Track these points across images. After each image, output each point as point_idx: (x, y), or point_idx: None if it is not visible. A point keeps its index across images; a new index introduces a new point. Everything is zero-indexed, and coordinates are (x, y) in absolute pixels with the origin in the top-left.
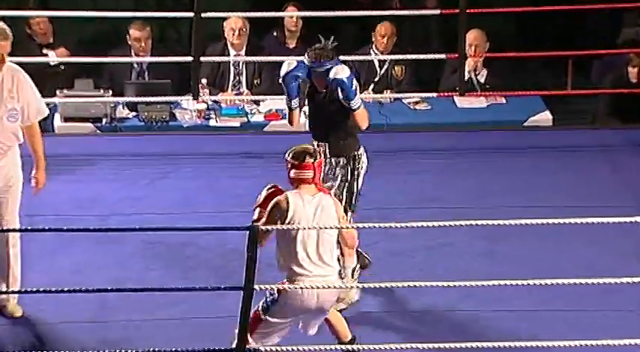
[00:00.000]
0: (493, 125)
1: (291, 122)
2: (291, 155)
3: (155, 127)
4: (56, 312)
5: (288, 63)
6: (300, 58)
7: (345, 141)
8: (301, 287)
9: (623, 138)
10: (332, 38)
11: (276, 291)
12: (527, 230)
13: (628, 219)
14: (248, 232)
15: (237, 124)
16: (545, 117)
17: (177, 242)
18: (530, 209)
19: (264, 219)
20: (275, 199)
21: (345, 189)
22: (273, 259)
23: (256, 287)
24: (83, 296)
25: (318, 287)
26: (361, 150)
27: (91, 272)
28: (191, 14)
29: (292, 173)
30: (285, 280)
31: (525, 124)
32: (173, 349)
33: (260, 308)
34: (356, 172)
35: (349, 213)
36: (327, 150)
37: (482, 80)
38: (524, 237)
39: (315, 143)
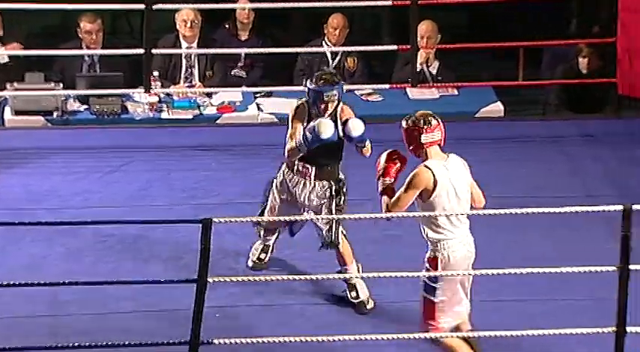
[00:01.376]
0: (445, 116)
1: (291, 158)
2: (415, 120)
3: (107, 120)
4: (9, 306)
5: (329, 126)
6: (252, 49)
7: (331, 167)
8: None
9: (573, 129)
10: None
11: (431, 266)
12: (478, 220)
13: (579, 209)
14: (201, 224)
15: (190, 117)
16: (496, 108)
17: (130, 235)
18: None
19: (402, 190)
20: (419, 172)
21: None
22: (226, 251)
23: (210, 279)
24: (36, 290)
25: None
26: (342, 175)
27: (44, 265)
28: (142, 6)
29: (423, 137)
30: (431, 249)
31: (477, 115)
32: (127, 342)
33: (427, 295)
34: (342, 198)
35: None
36: (313, 174)
37: (434, 72)
38: (474, 227)
39: (301, 164)
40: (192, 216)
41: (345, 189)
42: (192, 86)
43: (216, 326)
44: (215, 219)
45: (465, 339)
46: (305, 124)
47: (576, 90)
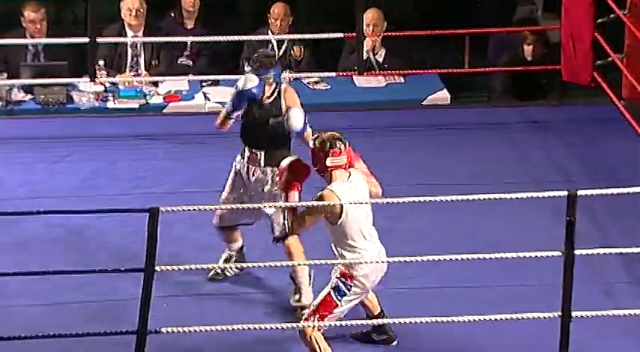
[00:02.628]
0: (392, 104)
1: (221, 127)
2: (322, 142)
3: (52, 110)
4: None
5: (251, 79)
6: (198, 38)
7: (280, 151)
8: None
9: (518, 116)
10: (270, 47)
11: (346, 278)
12: (427, 207)
13: (525, 195)
14: (148, 214)
15: (136, 106)
16: (442, 96)
17: (77, 225)
18: (430, 186)
19: (306, 212)
20: (324, 197)
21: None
22: (174, 240)
23: (157, 268)
24: None
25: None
26: None
27: None
28: None
29: (328, 161)
30: (349, 269)
31: (424, 103)
32: (74, 332)
33: (333, 295)
34: None
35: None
36: (262, 159)
37: (380, 60)
38: (423, 214)
39: (249, 151)
40: (139, 206)
41: None
42: (139, 75)
43: (165, 315)
44: (162, 208)
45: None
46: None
47: (521, 77)
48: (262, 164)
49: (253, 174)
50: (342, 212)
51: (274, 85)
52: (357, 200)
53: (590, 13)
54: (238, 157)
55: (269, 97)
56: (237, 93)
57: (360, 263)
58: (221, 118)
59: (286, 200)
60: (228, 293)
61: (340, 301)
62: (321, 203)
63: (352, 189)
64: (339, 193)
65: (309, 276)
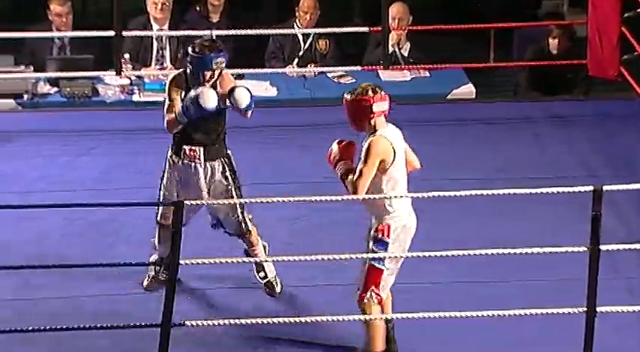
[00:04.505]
0: (416, 98)
1: (170, 129)
2: (364, 91)
3: (77, 103)
4: None
5: (212, 96)
6: (223, 31)
7: (219, 144)
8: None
9: (543, 111)
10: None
11: (385, 235)
12: (451, 201)
13: (549, 190)
14: (173, 207)
15: (162, 99)
16: (467, 90)
17: (100, 218)
18: (454, 181)
19: (362, 164)
20: (377, 141)
21: (238, 194)
22: (196, 233)
23: (182, 261)
24: (4, 274)
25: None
26: (229, 150)
27: (14, 249)
28: None
29: (375, 107)
30: (385, 220)
31: (448, 97)
32: (97, 325)
33: (373, 263)
34: (236, 173)
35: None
36: (202, 155)
37: (405, 53)
38: (446, 208)
39: (187, 148)
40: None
41: (234, 164)
42: (164, 68)
43: (188, 308)
44: (186, 202)
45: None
46: (183, 95)
47: (546, 71)
48: (202, 160)
49: (195, 171)
50: (395, 156)
51: (218, 71)
52: (401, 147)
53: (617, 7)
54: (171, 155)
55: (210, 84)
56: (196, 109)
57: (399, 213)
58: (171, 123)
59: (339, 171)
60: (252, 287)
61: (383, 265)
62: (375, 149)
63: (395, 132)
64: (389, 136)
65: (265, 249)
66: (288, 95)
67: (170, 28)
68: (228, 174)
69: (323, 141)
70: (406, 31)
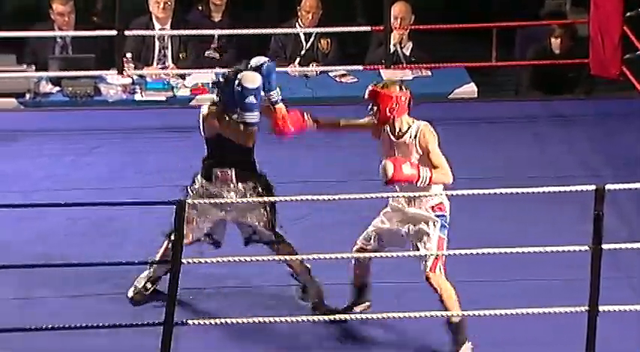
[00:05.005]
0: (419, 97)
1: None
2: (403, 87)
3: (79, 102)
4: None
5: (256, 75)
6: (226, 31)
7: (250, 166)
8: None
9: (545, 110)
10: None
11: (444, 210)
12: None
13: (551, 189)
14: (175, 206)
15: (163, 98)
16: (469, 90)
17: (103, 217)
18: (456, 180)
19: (435, 152)
20: (428, 128)
21: (272, 212)
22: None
23: (184, 260)
24: (8, 273)
25: None
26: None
27: (16, 248)
28: None
29: (406, 102)
30: (440, 199)
31: (450, 96)
32: (100, 324)
33: (441, 234)
34: (272, 191)
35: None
36: (233, 176)
37: (407, 53)
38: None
39: (218, 169)
40: (166, 198)
41: (272, 185)
42: (166, 68)
43: (191, 307)
44: (189, 201)
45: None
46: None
47: (549, 70)
48: (234, 180)
49: (227, 194)
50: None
51: None
52: None
53: (619, 6)
54: (200, 180)
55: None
56: (243, 92)
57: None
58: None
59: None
60: (254, 286)
61: (445, 236)
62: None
63: None
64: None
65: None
66: (289, 94)
67: (172, 28)
68: (261, 191)
69: (324, 140)
70: (408, 31)
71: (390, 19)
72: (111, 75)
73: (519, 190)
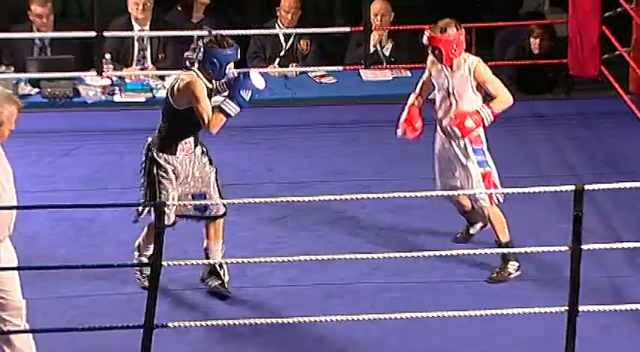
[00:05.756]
0: (398, 98)
1: (216, 130)
2: (454, 28)
3: (58, 104)
4: None
5: (259, 75)
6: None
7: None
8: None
9: (525, 110)
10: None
11: (479, 142)
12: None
13: (531, 189)
14: (154, 208)
15: (143, 99)
16: None
17: (83, 219)
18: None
19: (493, 79)
20: (483, 64)
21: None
22: (179, 235)
23: (164, 263)
24: None
25: None
26: None
27: None
28: None
29: (463, 40)
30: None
31: (430, 97)
32: (81, 326)
33: (483, 169)
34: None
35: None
36: (193, 146)
37: (387, 53)
38: (428, 207)
39: (183, 142)
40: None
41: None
42: (145, 69)
43: (169, 309)
44: (168, 202)
45: None
46: (208, 95)
47: (528, 70)
48: (194, 150)
49: (190, 164)
50: None
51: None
52: None
53: (597, 6)
54: (162, 156)
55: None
56: (252, 93)
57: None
58: (220, 124)
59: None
60: (233, 287)
61: (490, 166)
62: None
63: None
64: None
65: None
66: (269, 95)
67: (151, 29)
68: (208, 155)
69: (304, 141)
70: (387, 31)
71: (369, 19)
72: (90, 76)
73: (500, 190)
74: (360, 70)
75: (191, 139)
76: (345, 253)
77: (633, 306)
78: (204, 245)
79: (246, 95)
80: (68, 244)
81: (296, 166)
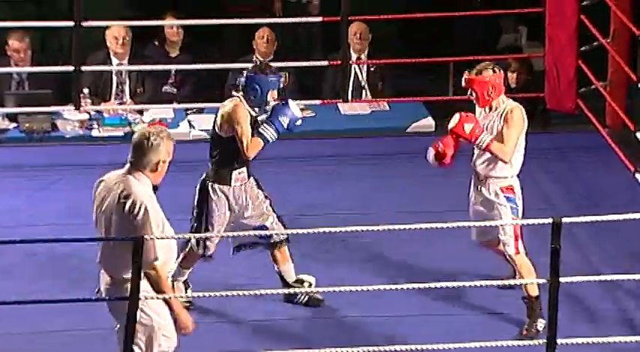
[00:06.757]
0: (376, 132)
1: (253, 155)
2: (490, 71)
3: (36, 138)
4: None
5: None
6: (183, 66)
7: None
8: None
9: None
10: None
11: (512, 193)
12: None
13: (506, 222)
14: (133, 243)
15: (121, 134)
16: (427, 123)
17: (62, 253)
18: (412, 214)
19: (513, 133)
20: (520, 111)
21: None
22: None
23: (142, 296)
24: None
25: None
26: None
27: None
28: (71, 23)
29: (501, 83)
30: (509, 181)
31: (408, 130)
32: None
33: (514, 215)
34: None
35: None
36: (246, 173)
37: (365, 77)
38: (407, 241)
39: (237, 171)
40: None
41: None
42: (123, 103)
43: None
44: (147, 237)
45: None
46: (250, 122)
47: None
48: (247, 177)
49: (245, 194)
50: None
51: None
52: None
53: (574, 41)
54: (219, 187)
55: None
56: (290, 123)
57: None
58: (258, 149)
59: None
60: (216, 322)
61: (518, 216)
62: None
63: None
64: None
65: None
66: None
67: (130, 63)
68: (260, 186)
69: (282, 175)
70: (365, 65)
71: (347, 53)
72: (68, 110)
73: (478, 223)
74: (339, 104)
75: (244, 168)
76: (319, 286)
77: (612, 339)
78: (276, 269)
79: (285, 122)
80: (45, 278)
81: (274, 200)
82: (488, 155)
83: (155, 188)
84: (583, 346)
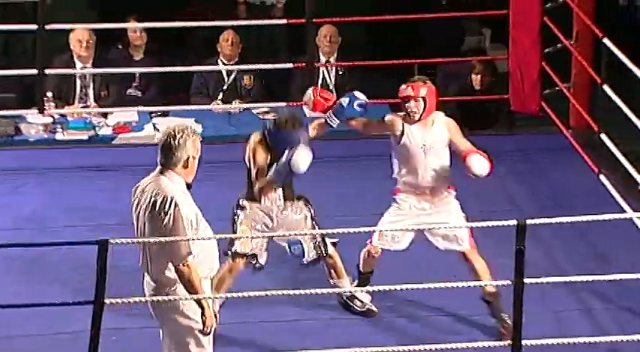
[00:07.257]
0: (341, 134)
1: (265, 195)
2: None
3: (0, 142)
4: None
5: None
6: (147, 69)
7: (290, 186)
8: None
9: None
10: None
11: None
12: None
13: (474, 224)
14: (98, 246)
15: (85, 137)
16: None
17: (27, 258)
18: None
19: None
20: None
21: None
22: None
23: (107, 301)
24: None
25: None
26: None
27: None
28: (34, 26)
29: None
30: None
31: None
32: None
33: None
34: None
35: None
36: (281, 196)
37: (332, 80)
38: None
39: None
40: (89, 238)
41: (310, 203)
42: (87, 106)
43: (114, 348)
44: (111, 240)
45: None
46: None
47: (470, 106)
48: (282, 200)
49: (277, 212)
50: None
51: None
52: None
53: (538, 43)
54: (250, 204)
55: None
56: (289, 172)
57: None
58: (267, 190)
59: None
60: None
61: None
62: None
63: None
64: None
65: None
66: (213, 132)
67: (94, 66)
68: (309, 209)
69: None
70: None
71: (315, 55)
72: (32, 114)
73: (443, 225)
74: (304, 107)
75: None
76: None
77: (576, 340)
78: (332, 283)
79: (283, 171)
80: (11, 283)
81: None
82: (434, 171)
83: (189, 186)
84: (548, 347)
